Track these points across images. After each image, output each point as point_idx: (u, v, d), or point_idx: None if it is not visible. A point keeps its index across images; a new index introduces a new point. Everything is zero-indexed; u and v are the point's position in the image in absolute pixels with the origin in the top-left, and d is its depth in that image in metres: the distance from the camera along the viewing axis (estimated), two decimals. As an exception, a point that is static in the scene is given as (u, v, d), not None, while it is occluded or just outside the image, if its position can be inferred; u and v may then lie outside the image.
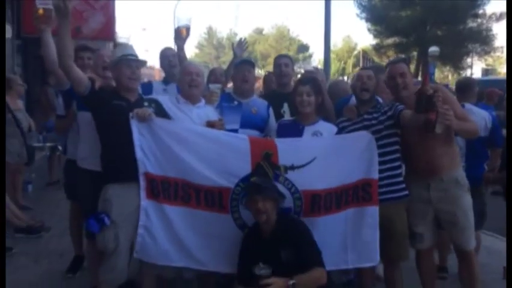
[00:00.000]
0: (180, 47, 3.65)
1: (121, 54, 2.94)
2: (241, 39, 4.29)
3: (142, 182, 2.86)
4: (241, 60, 3.66)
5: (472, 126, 2.97)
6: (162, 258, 2.92)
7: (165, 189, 2.90)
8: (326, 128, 3.14)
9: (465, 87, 4.18)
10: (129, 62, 2.91)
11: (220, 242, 2.94)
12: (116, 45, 9.60)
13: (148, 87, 3.75)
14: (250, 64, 3.55)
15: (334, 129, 3.14)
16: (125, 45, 3.17)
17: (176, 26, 3.63)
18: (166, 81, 3.91)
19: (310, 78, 3.32)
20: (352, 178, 2.93)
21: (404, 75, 3.00)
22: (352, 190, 2.95)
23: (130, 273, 3.28)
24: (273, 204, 2.67)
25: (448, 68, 31.88)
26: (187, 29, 3.61)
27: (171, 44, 3.72)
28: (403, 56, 29.76)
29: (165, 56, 3.94)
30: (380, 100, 3.31)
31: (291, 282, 2.48)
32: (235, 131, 3.24)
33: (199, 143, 2.91)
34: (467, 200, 3.02)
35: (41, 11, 2.71)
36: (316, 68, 3.75)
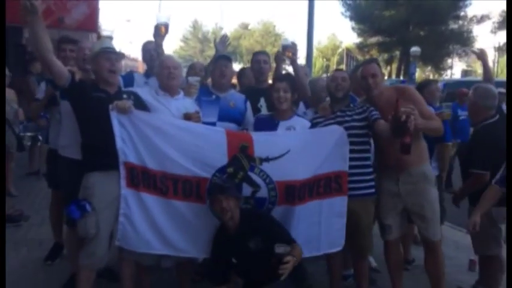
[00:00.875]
0: (159, 44, 3.72)
1: (100, 48, 2.99)
2: (223, 35, 4.37)
3: (122, 171, 2.92)
4: (219, 56, 3.76)
5: (437, 124, 3.11)
6: (143, 246, 3.00)
7: (145, 179, 2.97)
8: (300, 123, 3.27)
9: (419, 88, 4.36)
10: (108, 54, 2.95)
11: (199, 229, 3.04)
12: (100, 37, 9.53)
13: (129, 78, 3.78)
14: (227, 59, 3.65)
15: (308, 124, 3.28)
16: (104, 39, 3.22)
17: (155, 24, 3.72)
18: (148, 74, 3.95)
19: (287, 75, 3.45)
20: (323, 169, 3.04)
21: (376, 75, 3.17)
22: (324, 181, 3.08)
23: (109, 261, 3.36)
24: (235, 202, 2.85)
25: (429, 68, 32.44)
26: (166, 26, 3.69)
27: (154, 37, 3.76)
28: (385, 55, 30.32)
29: (147, 49, 3.97)
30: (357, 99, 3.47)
31: (294, 259, 2.68)
32: (213, 124, 3.34)
33: (178, 135, 2.99)
34: (434, 193, 3.20)
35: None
36: (293, 43, 3.83)
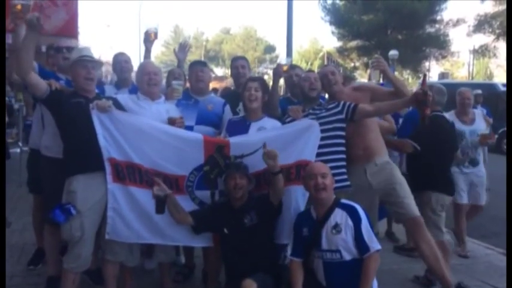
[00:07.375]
0: (148, 49, 3.85)
1: (77, 56, 3.06)
2: (181, 42, 4.37)
3: (107, 168, 3.00)
4: (194, 61, 3.91)
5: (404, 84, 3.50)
6: (133, 237, 3.10)
7: (130, 173, 3.06)
8: (270, 124, 3.36)
9: None
10: (84, 63, 3.02)
11: None
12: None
13: (99, 90, 3.75)
14: (202, 64, 3.79)
15: (278, 124, 3.38)
16: (81, 48, 3.26)
17: (145, 30, 3.85)
18: (118, 85, 4.00)
19: (259, 77, 3.57)
20: (294, 158, 3.15)
21: (334, 73, 3.48)
22: (295, 168, 3.16)
23: (98, 262, 3.40)
24: (246, 182, 3.02)
25: (408, 71, 33.00)
26: (156, 33, 3.84)
27: (135, 41, 3.91)
28: (365, 58, 30.71)
29: (118, 61, 4.01)
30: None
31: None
32: (191, 128, 3.43)
33: (156, 136, 3.09)
34: (400, 174, 3.41)
35: (19, 7, 2.75)
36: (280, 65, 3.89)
